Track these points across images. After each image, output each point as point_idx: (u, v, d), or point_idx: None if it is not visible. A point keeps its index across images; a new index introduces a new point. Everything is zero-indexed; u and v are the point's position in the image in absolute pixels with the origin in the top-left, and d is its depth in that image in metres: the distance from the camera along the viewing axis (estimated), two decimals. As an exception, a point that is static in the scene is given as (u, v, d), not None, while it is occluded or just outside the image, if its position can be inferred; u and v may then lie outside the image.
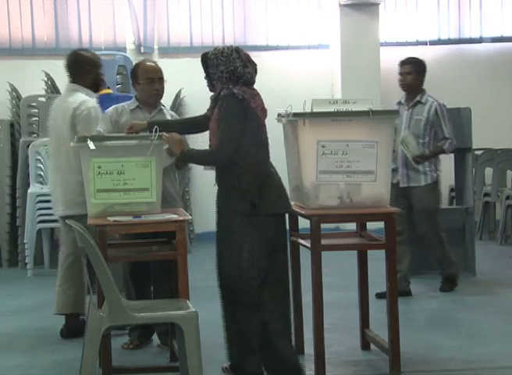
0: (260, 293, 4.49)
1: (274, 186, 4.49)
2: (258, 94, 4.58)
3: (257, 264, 4.46)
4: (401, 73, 6.93)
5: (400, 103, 6.94)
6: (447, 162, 8.33)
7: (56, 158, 5.74)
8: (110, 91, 7.26)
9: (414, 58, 7.05)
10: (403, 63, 6.97)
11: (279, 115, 5.21)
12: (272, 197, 4.46)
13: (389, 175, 5.07)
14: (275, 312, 4.53)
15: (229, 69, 4.50)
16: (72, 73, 5.79)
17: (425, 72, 6.97)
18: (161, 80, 5.45)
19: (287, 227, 4.92)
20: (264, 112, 4.58)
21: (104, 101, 6.96)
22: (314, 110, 4.78)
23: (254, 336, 4.50)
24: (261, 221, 4.45)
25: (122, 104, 5.48)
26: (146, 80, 5.39)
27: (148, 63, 5.50)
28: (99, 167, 4.71)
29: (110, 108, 5.46)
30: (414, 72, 6.87)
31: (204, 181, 9.93)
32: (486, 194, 9.83)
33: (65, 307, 5.76)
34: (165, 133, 4.70)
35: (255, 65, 4.63)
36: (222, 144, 4.45)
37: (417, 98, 6.85)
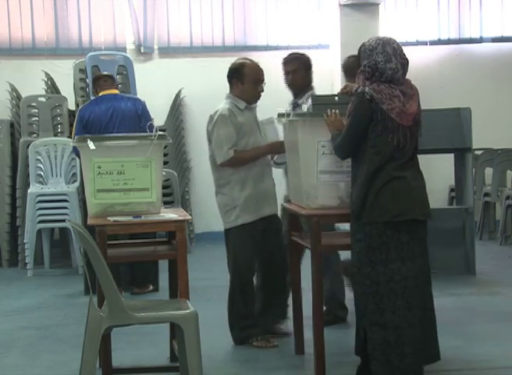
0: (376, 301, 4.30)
1: (388, 192, 4.27)
2: (406, 93, 4.31)
3: (362, 270, 4.33)
4: (287, 72, 5.93)
5: (295, 103, 5.93)
6: (447, 162, 8.35)
7: None
8: (117, 91, 7.23)
9: (299, 53, 6.11)
10: (288, 60, 5.97)
11: (279, 115, 5.21)
12: (381, 203, 4.26)
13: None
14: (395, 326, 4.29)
15: (371, 64, 4.32)
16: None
17: (312, 67, 6.03)
18: (263, 81, 5.45)
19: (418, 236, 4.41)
20: (404, 115, 4.28)
21: (109, 101, 6.96)
22: (313, 104, 4.78)
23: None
24: (368, 227, 4.31)
25: (229, 105, 5.41)
26: (253, 82, 5.39)
27: (254, 64, 5.47)
28: (99, 167, 4.71)
29: (224, 111, 5.36)
30: (302, 69, 5.93)
31: (204, 181, 9.95)
32: (486, 194, 9.82)
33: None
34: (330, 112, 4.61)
35: (403, 59, 4.33)
36: (341, 139, 4.42)
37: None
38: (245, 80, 5.39)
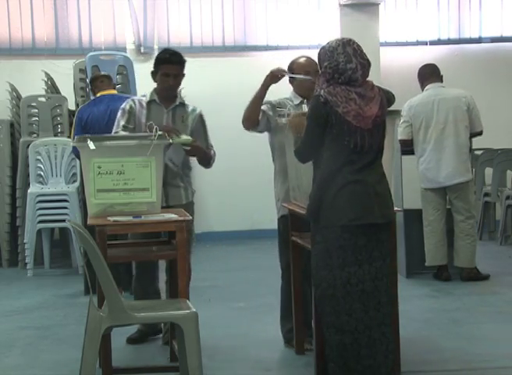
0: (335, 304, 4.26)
1: (345, 195, 4.20)
2: (364, 96, 4.25)
3: (319, 273, 4.31)
4: (166, 74, 5.38)
5: (154, 101, 5.47)
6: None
7: (451, 137, 7.33)
8: (114, 91, 7.23)
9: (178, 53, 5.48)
10: (172, 62, 5.40)
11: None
12: (338, 207, 4.20)
13: (390, 175, 5.06)
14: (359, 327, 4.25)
15: (332, 65, 4.28)
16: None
17: None
18: (316, 72, 5.37)
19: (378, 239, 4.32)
20: (361, 117, 4.21)
21: (107, 102, 6.95)
22: None
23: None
24: (325, 230, 4.27)
25: (285, 99, 5.38)
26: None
27: (304, 59, 5.38)
28: (99, 167, 4.70)
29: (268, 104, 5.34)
30: (181, 73, 5.46)
31: (205, 181, 9.96)
32: (486, 194, 9.83)
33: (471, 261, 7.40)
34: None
35: (364, 60, 4.28)
36: (301, 143, 4.40)
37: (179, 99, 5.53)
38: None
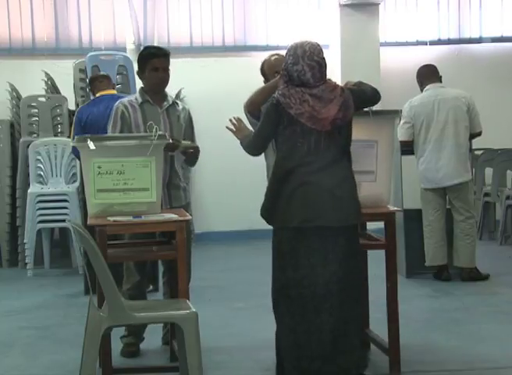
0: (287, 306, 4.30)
1: (298, 197, 4.20)
2: (321, 97, 4.22)
3: (274, 273, 4.35)
4: (156, 68, 5.30)
5: (147, 102, 5.33)
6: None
7: (451, 137, 7.33)
8: (114, 91, 7.23)
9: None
10: (159, 56, 5.33)
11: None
12: (291, 209, 4.21)
13: (390, 175, 5.06)
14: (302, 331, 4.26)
15: (284, 66, 4.34)
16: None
17: None
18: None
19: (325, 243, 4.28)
20: (315, 119, 4.21)
21: (106, 102, 6.96)
22: None
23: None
24: (278, 232, 4.31)
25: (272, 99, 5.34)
26: (273, 76, 5.15)
27: (273, 58, 5.30)
28: (99, 167, 4.70)
29: None
30: (169, 66, 5.36)
31: (205, 181, 9.97)
32: (486, 194, 9.83)
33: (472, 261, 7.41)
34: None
35: (312, 61, 4.26)
36: (252, 138, 4.47)
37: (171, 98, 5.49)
38: (268, 76, 5.25)
